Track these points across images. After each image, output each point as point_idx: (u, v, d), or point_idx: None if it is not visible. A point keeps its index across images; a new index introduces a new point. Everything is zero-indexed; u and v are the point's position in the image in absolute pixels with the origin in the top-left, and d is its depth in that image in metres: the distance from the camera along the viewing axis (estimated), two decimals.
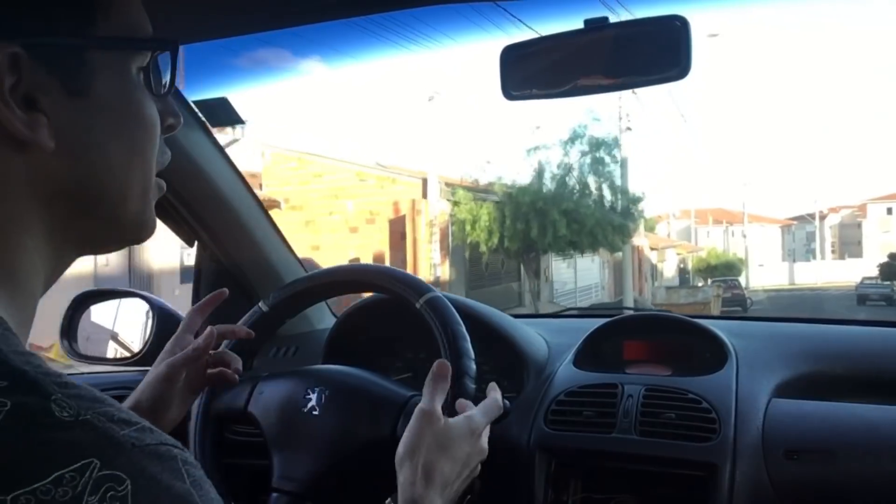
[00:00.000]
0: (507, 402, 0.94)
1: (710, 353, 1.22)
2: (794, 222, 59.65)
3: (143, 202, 0.52)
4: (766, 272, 43.11)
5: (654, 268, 30.28)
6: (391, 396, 0.96)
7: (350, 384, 0.99)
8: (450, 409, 0.85)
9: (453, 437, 0.79)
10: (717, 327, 1.26)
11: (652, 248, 29.84)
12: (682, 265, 36.25)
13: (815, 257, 52.43)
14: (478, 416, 0.84)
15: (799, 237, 60.64)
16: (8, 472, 0.35)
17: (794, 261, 52.39)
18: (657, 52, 0.87)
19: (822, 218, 54.88)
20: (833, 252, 55.39)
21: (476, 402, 0.88)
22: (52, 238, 0.47)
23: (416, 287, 0.95)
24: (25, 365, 0.39)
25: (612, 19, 0.88)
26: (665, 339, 1.28)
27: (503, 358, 1.27)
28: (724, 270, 33.91)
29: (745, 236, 38.20)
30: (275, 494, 0.96)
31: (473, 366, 0.89)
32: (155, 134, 0.52)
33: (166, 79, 0.53)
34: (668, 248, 33.76)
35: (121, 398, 0.82)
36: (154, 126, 0.52)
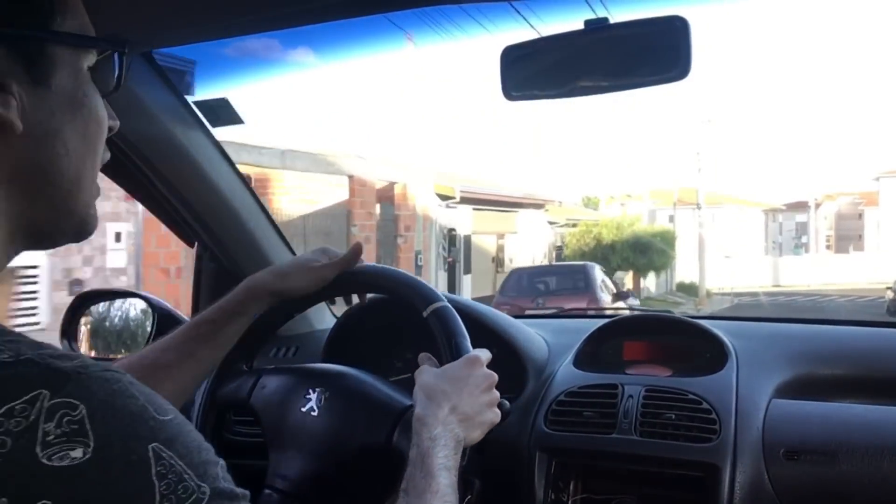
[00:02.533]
0: (506, 402, 0.94)
1: (710, 354, 1.21)
2: (783, 208, 47.98)
3: (90, 196, 0.55)
4: (739, 267, 31.77)
5: (459, 242, 14.80)
6: (390, 404, 0.95)
7: (350, 388, 0.99)
8: None
9: (445, 368, 0.87)
10: (717, 327, 1.26)
11: (446, 198, 13.69)
12: (561, 244, 21.40)
13: (807, 252, 42.03)
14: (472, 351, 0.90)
15: (787, 228, 48.93)
16: None
17: (781, 254, 41.96)
18: (657, 53, 0.87)
19: (817, 206, 44.78)
20: (828, 247, 45.70)
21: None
22: (9, 222, 0.50)
23: (424, 295, 0.94)
24: None
25: (613, 20, 0.88)
26: (665, 339, 1.28)
27: (503, 358, 1.27)
28: (631, 254, 20.50)
29: (699, 207, 23.79)
30: (266, 491, 0.96)
31: None
32: (104, 130, 0.55)
33: (112, 81, 0.57)
34: (516, 205, 17.19)
35: None
36: (104, 122, 0.55)
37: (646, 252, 21.34)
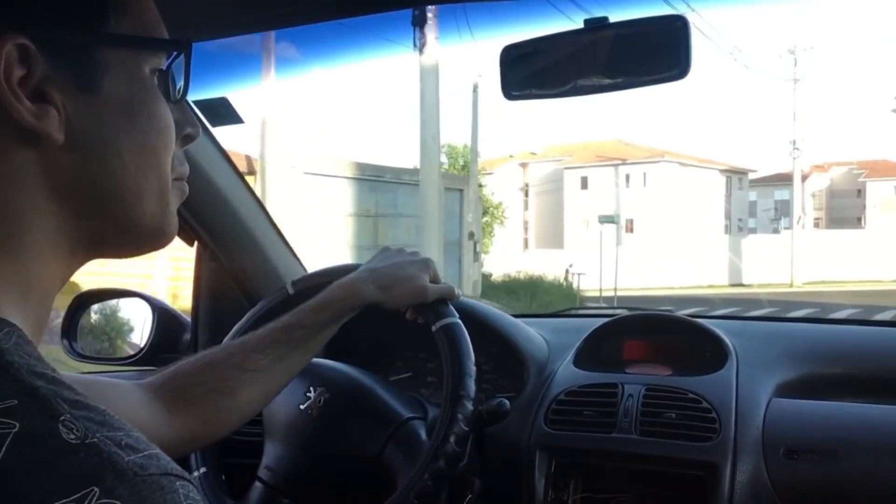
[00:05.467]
0: (507, 401, 0.94)
1: (711, 353, 1.22)
2: (751, 171, 35.36)
3: (159, 206, 0.51)
4: (683, 254, 21.27)
5: None
6: (387, 415, 0.95)
7: (351, 392, 0.99)
8: (438, 443, 0.84)
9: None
10: (717, 327, 1.26)
11: None
12: None
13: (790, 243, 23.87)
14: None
15: (764, 207, 36.04)
16: (10, 498, 0.35)
17: (745, 228, 30.39)
18: (657, 52, 0.86)
19: (803, 179, 28.22)
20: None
21: (467, 453, 0.88)
22: (65, 236, 0.48)
23: (436, 309, 0.93)
24: (38, 380, 0.39)
25: (612, 19, 0.88)
26: (665, 338, 1.28)
27: (503, 357, 1.27)
28: None
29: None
30: (256, 483, 0.97)
31: (470, 406, 0.87)
32: (169, 137, 0.52)
33: (180, 85, 0.53)
34: None
35: None
36: (168, 129, 0.51)
37: None
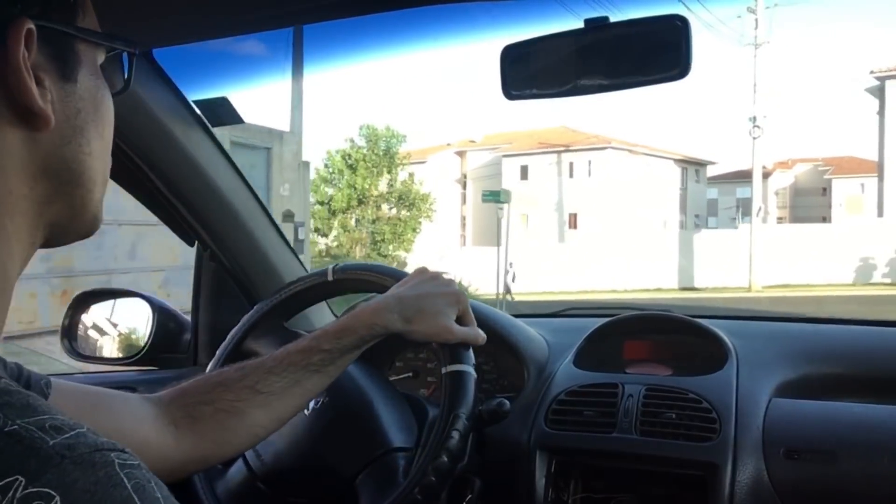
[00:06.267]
0: (507, 401, 0.94)
1: (711, 353, 1.22)
2: (708, 161, 32.18)
3: (102, 193, 0.54)
4: (641, 254, 18.69)
5: None
6: (375, 439, 0.94)
7: (350, 403, 0.98)
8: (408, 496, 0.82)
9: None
10: (717, 327, 1.26)
11: None
12: None
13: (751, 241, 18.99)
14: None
15: (726, 205, 33.91)
16: None
17: (703, 227, 27.24)
18: (658, 52, 0.87)
19: (766, 176, 27.27)
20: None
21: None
22: (28, 222, 0.48)
23: (453, 351, 0.89)
24: None
25: (613, 19, 0.88)
26: (665, 338, 1.28)
27: (503, 358, 1.27)
28: None
29: None
30: (240, 461, 0.97)
31: (445, 464, 0.83)
32: (113, 129, 0.55)
33: (118, 82, 0.56)
34: None
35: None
36: (113, 121, 0.55)
37: None
